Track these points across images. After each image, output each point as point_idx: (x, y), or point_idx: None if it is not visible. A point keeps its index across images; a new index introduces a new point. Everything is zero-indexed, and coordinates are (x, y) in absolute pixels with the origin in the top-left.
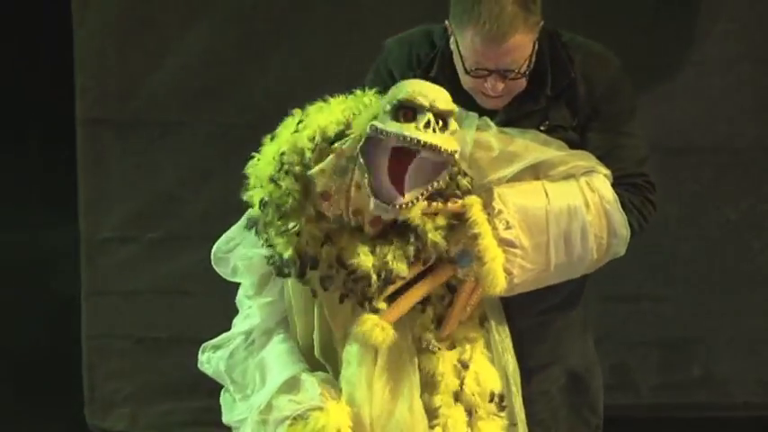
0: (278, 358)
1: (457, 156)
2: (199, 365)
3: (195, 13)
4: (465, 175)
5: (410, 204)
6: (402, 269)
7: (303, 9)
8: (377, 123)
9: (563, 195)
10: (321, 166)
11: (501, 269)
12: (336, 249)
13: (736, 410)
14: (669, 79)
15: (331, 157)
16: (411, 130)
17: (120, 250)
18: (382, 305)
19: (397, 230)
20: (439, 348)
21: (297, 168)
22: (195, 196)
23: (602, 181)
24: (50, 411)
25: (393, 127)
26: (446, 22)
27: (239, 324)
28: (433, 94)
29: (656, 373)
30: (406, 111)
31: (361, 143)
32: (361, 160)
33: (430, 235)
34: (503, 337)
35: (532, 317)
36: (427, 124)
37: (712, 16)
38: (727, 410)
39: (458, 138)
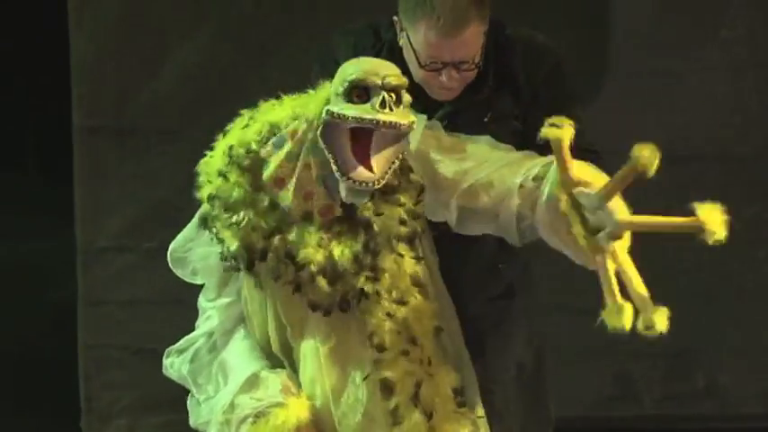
0: (239, 357)
1: (414, 126)
2: (163, 371)
3: (194, 20)
4: (413, 171)
5: (385, 177)
6: (349, 265)
7: (302, 16)
8: (332, 107)
9: None
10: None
11: None
12: (286, 243)
13: (741, 422)
14: (672, 86)
15: (288, 143)
16: (368, 112)
17: (117, 260)
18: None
19: (347, 224)
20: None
21: (245, 161)
22: (193, 205)
23: None
24: (47, 422)
25: (350, 110)
26: (394, 17)
27: (201, 326)
28: (384, 71)
29: (659, 384)
30: (360, 91)
31: (319, 129)
32: (322, 145)
33: (376, 227)
34: (453, 328)
35: (480, 305)
36: (383, 103)
37: (716, 21)
38: (732, 422)
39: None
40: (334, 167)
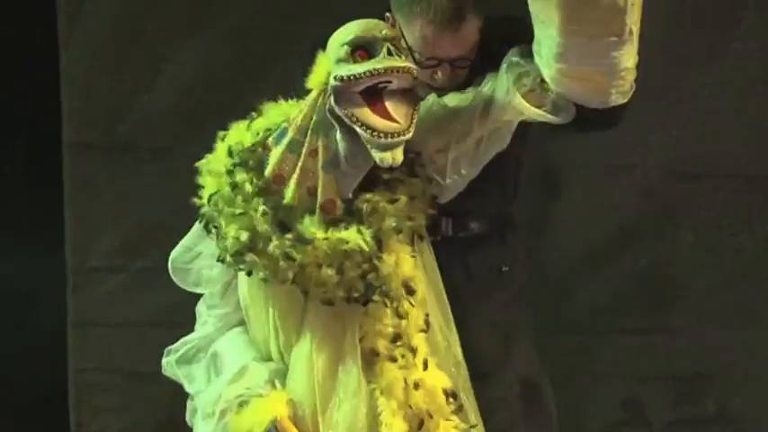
0: (233, 349)
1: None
2: (162, 370)
3: (188, 33)
4: (422, 165)
5: (411, 127)
6: (357, 253)
7: (300, 27)
8: (340, 72)
9: None
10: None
11: None
12: (288, 240)
13: None
14: (682, 102)
15: (290, 132)
16: (380, 62)
17: (108, 280)
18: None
19: (348, 219)
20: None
21: (250, 160)
22: (187, 224)
23: None
24: None
25: (361, 68)
26: (387, 14)
27: (197, 330)
28: (379, 25)
29: (669, 408)
30: (362, 50)
31: (330, 99)
32: (341, 112)
33: (377, 221)
34: (447, 337)
35: (482, 317)
36: (389, 52)
37: (727, 36)
38: None
39: None
40: (359, 131)
